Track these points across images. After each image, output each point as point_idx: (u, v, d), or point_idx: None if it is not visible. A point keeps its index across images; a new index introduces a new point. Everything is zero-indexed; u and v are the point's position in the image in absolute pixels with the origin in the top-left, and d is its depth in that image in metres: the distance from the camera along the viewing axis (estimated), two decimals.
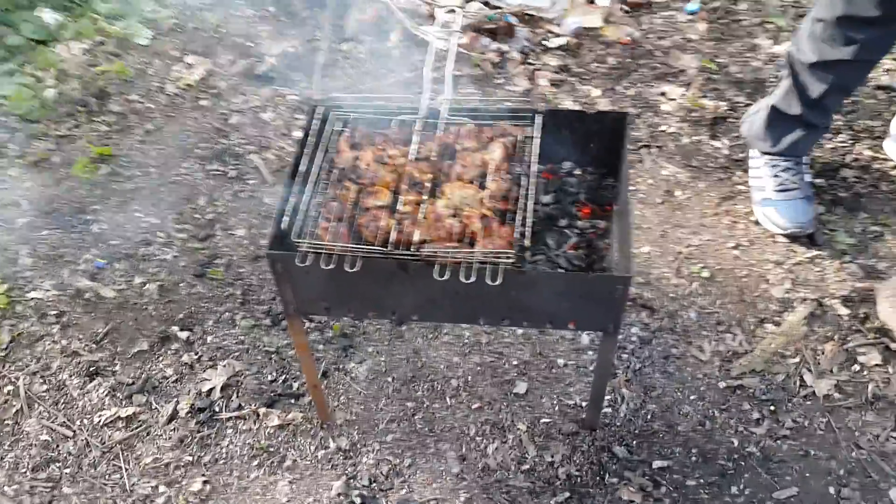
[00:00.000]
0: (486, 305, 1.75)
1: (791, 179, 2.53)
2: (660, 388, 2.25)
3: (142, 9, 3.19)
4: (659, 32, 3.21)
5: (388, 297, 1.77)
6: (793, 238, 2.53)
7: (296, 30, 3.21)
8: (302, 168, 1.78)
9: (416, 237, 1.66)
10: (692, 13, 3.28)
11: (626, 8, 3.29)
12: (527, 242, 1.64)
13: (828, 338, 2.32)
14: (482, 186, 1.75)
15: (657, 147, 2.83)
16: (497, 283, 1.60)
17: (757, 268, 2.48)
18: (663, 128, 2.89)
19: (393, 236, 1.66)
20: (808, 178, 2.58)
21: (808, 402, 2.21)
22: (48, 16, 3.00)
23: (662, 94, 3.00)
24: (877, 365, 2.27)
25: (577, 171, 2.03)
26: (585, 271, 1.84)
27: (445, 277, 1.62)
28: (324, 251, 1.66)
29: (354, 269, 1.64)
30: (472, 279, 1.60)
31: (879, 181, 2.68)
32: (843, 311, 2.37)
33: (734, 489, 2.05)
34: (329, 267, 1.64)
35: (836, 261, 2.48)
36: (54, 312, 2.41)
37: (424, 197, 1.73)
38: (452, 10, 1.99)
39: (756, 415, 2.19)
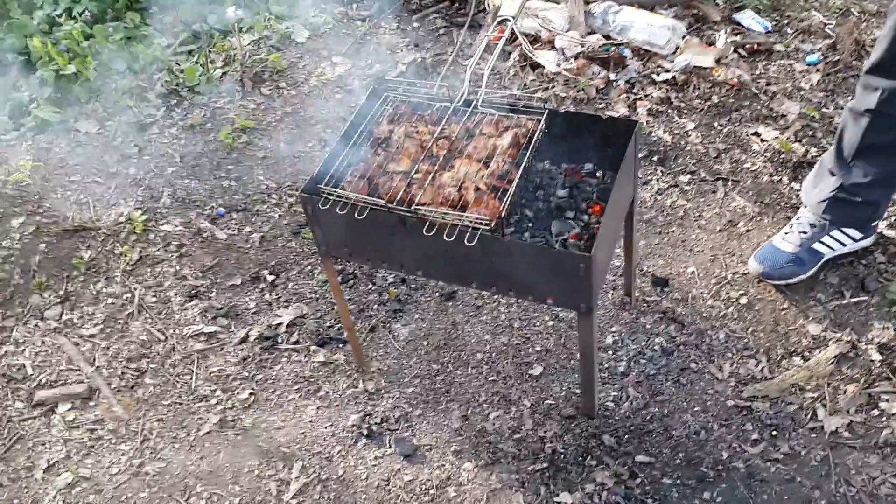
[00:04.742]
0: (475, 269, 2.00)
1: (796, 236, 2.52)
2: (667, 394, 2.35)
3: (307, 13, 3.73)
4: (770, 78, 3.28)
5: (395, 250, 2.06)
6: (844, 280, 2.53)
7: (430, 44, 3.61)
8: (348, 134, 2.14)
9: (418, 198, 1.95)
10: (812, 64, 3.31)
11: (744, 53, 3.38)
12: (503, 214, 1.88)
13: (853, 380, 2.32)
14: (487, 166, 2.01)
15: (734, 181, 2.91)
16: (472, 244, 1.85)
17: (799, 304, 2.51)
18: (747, 165, 2.96)
19: (399, 195, 1.96)
20: (820, 248, 2.52)
21: (813, 435, 2.22)
22: (231, 11, 3.60)
23: (756, 133, 3.07)
24: None
25: (598, 173, 2.23)
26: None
27: (432, 233, 1.89)
28: (342, 199, 1.99)
29: (362, 217, 1.96)
30: (452, 238, 1.86)
31: None
32: (877, 356, 2.35)
33: (707, 495, 2.12)
34: (343, 212, 1.98)
35: (883, 309, 2.45)
36: (176, 244, 2.92)
37: (436, 168, 2.02)
38: (506, 20, 2.26)
39: (755, 436, 2.24)
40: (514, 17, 2.23)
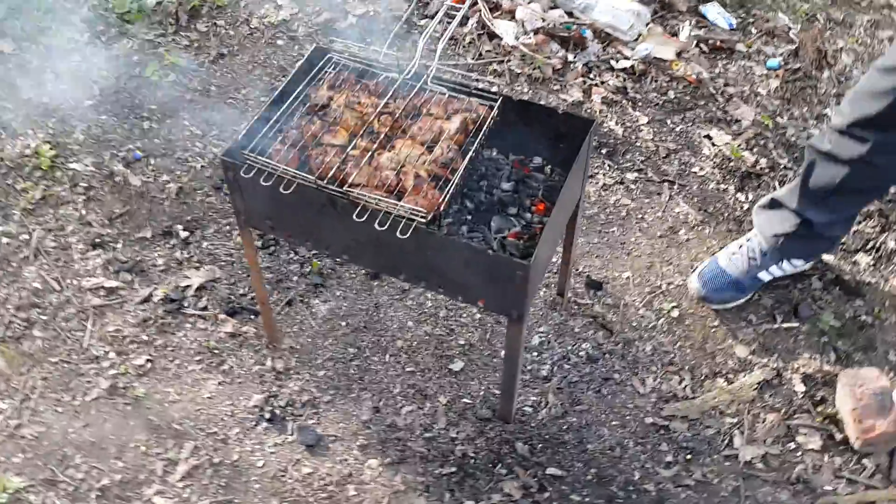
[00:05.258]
0: (406, 261, 1.86)
1: (744, 261, 2.43)
2: (587, 404, 2.27)
3: None
4: (729, 79, 3.18)
5: (322, 230, 1.90)
6: (778, 303, 2.48)
7: None
8: (282, 96, 1.95)
9: (352, 178, 1.78)
10: (772, 68, 3.22)
11: (705, 49, 3.27)
12: (441, 208, 1.74)
13: (774, 409, 2.27)
14: (431, 151, 1.86)
15: (681, 185, 2.82)
16: (405, 236, 1.70)
17: (730, 323, 2.45)
18: (695, 169, 2.87)
19: (332, 173, 1.79)
20: (763, 276, 2.44)
21: (727, 463, 2.17)
22: None
23: (708, 136, 2.97)
24: (813, 450, 2.20)
25: (547, 169, 2.09)
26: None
27: (363, 220, 1.74)
28: (268, 169, 1.81)
29: (288, 192, 1.78)
30: (384, 227, 1.72)
31: (893, 274, 2.57)
32: (800, 387, 2.31)
33: None
34: (267, 184, 1.80)
35: (812, 338, 2.41)
36: (84, 185, 2.68)
37: (375, 146, 1.86)
38: None
39: (669, 458, 2.17)
40: None
